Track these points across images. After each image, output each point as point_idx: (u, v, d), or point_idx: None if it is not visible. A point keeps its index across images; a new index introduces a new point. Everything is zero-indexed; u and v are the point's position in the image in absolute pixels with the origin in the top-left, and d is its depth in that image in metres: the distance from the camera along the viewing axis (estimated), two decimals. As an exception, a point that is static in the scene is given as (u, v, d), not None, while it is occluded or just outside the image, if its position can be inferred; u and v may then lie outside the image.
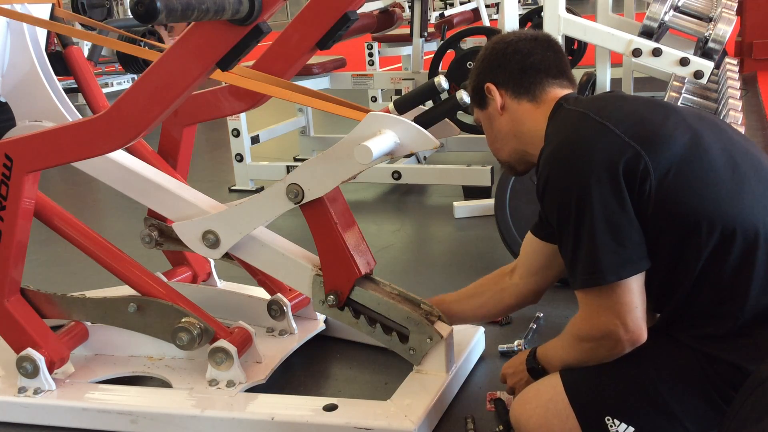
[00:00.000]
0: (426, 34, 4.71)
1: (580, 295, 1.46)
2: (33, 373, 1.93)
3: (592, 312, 1.44)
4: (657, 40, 2.85)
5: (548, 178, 1.46)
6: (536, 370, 1.66)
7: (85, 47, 5.72)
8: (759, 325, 1.39)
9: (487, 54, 1.67)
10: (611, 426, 1.46)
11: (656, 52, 2.73)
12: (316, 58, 4.37)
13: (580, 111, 1.50)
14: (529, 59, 1.61)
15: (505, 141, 1.67)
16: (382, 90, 5.24)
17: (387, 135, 1.69)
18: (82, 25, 3.67)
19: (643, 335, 1.42)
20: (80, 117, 1.98)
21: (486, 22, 5.40)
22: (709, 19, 3.05)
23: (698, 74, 2.72)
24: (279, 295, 2.18)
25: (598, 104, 1.51)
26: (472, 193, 3.63)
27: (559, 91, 1.62)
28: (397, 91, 4.46)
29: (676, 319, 1.47)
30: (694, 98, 2.77)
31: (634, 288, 1.39)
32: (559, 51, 1.66)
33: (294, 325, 2.19)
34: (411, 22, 4.72)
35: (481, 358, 2.12)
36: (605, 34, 2.86)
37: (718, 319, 1.41)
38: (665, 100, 2.59)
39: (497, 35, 1.70)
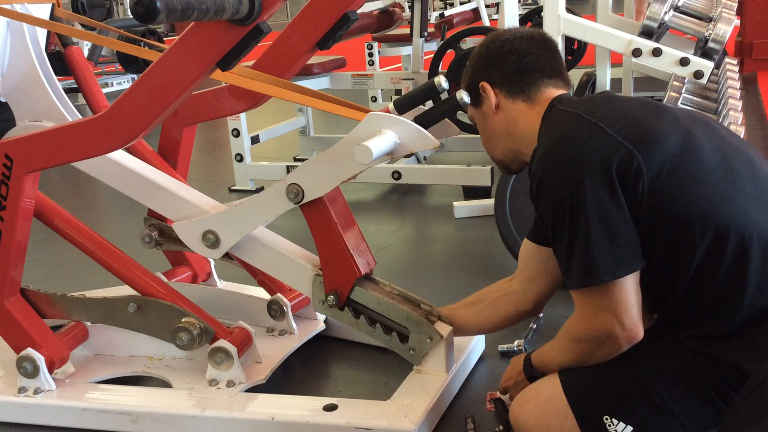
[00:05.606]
0: (426, 34, 4.72)
1: (575, 296, 1.46)
2: (33, 373, 1.93)
3: (588, 312, 1.44)
4: (657, 40, 2.85)
5: (542, 179, 1.45)
6: (536, 377, 1.65)
7: (85, 47, 5.72)
8: (757, 324, 1.39)
9: (482, 52, 1.65)
10: (610, 425, 1.46)
11: (656, 52, 2.73)
12: (316, 58, 4.37)
13: (573, 112, 1.50)
14: (524, 59, 1.60)
15: (499, 140, 1.67)
16: (382, 90, 5.24)
17: (387, 135, 1.69)
18: (82, 25, 3.67)
19: (640, 333, 1.43)
20: (80, 117, 1.98)
21: (486, 22, 5.40)
22: (709, 19, 3.05)
23: (698, 74, 2.72)
24: (279, 295, 2.18)
25: (591, 105, 1.51)
26: (472, 193, 3.63)
27: (554, 92, 1.61)
28: (397, 91, 4.46)
29: (674, 319, 1.47)
30: (694, 98, 2.77)
31: (630, 287, 1.40)
32: (555, 51, 1.65)
33: (294, 325, 2.19)
34: (411, 22, 4.72)
35: (481, 358, 2.12)
36: (605, 34, 2.86)
37: (715, 318, 1.41)
38: (665, 100, 2.60)
39: (493, 33, 1.69)
